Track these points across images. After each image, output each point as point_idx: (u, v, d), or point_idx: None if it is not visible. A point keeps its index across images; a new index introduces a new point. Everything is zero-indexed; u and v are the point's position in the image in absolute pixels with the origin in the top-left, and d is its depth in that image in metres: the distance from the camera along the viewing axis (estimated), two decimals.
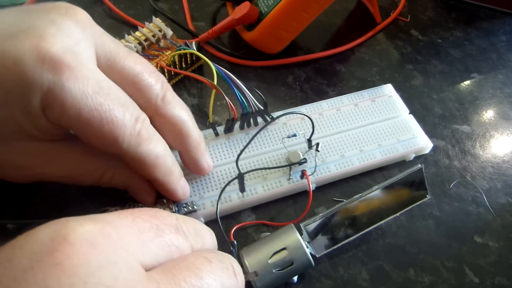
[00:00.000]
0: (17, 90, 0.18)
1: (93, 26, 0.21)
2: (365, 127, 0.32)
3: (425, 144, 0.31)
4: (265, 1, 0.35)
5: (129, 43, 0.33)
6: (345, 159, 0.30)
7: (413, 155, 0.31)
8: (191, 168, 0.27)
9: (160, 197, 0.26)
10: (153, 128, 0.23)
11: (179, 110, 0.24)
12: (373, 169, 0.31)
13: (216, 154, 0.30)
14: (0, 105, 0.19)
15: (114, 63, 0.21)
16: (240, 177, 0.27)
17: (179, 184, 0.25)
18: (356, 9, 0.43)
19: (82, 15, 0.21)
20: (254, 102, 0.29)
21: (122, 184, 0.25)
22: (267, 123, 0.30)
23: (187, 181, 0.27)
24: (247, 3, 0.35)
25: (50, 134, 0.21)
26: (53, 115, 0.19)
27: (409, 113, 0.33)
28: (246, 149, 0.30)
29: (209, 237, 0.21)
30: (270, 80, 0.36)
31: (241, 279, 0.19)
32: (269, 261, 0.23)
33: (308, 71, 0.37)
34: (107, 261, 0.14)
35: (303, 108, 0.33)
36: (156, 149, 0.22)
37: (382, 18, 0.42)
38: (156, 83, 0.23)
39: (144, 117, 0.22)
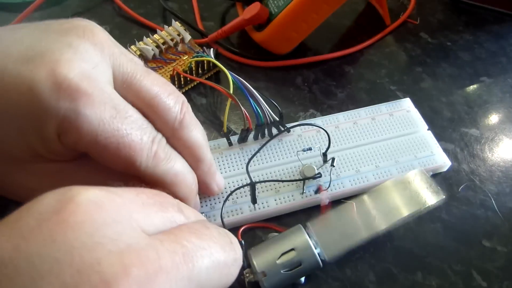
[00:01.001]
0: (32, 116, 0.18)
1: (111, 47, 0.21)
2: (382, 142, 0.31)
3: (443, 162, 0.30)
4: (275, 2, 0.35)
5: (147, 45, 0.33)
6: (360, 174, 0.29)
7: (431, 173, 0.30)
8: (200, 190, 0.26)
9: None
10: (170, 147, 0.22)
11: (196, 134, 0.23)
12: None
13: (229, 164, 0.29)
14: (14, 130, 0.19)
15: (130, 85, 0.21)
16: (252, 186, 0.27)
17: (194, 200, 0.25)
18: (365, 11, 0.43)
19: (100, 35, 0.20)
20: (269, 112, 0.29)
21: None
22: (279, 132, 0.30)
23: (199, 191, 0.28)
24: (257, 3, 0.35)
25: (64, 156, 0.21)
26: (69, 141, 0.19)
27: (428, 129, 0.32)
28: (260, 160, 0.30)
29: None
30: (278, 81, 0.36)
31: (239, 251, 0.19)
32: (277, 262, 0.23)
33: (317, 72, 0.37)
34: (111, 219, 0.15)
35: (319, 120, 0.32)
36: (174, 168, 0.22)
37: (391, 20, 0.41)
38: (175, 105, 0.22)
39: (160, 137, 0.21)
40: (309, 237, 0.24)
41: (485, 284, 0.26)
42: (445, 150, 0.32)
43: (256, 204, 0.27)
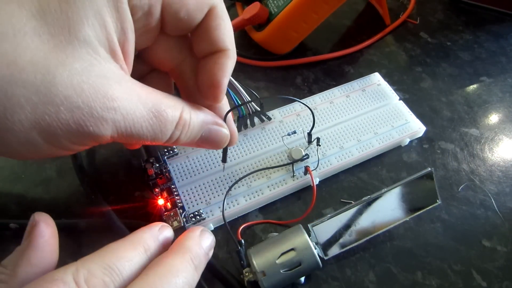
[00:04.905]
0: None
1: None
2: (360, 117, 0.33)
3: (418, 128, 0.32)
4: (275, 2, 0.35)
5: None
6: (344, 150, 0.31)
7: (408, 140, 0.32)
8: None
9: (167, 210, 0.27)
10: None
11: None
12: (372, 157, 0.31)
13: (216, 159, 0.30)
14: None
15: None
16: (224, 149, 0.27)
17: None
18: (365, 11, 0.43)
19: None
20: (251, 104, 0.29)
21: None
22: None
23: (194, 188, 0.28)
24: (257, 3, 0.35)
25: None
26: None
27: (399, 99, 0.34)
28: (247, 150, 0.30)
29: (131, 257, 0.19)
30: (278, 80, 0.36)
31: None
32: (277, 261, 0.23)
33: (316, 72, 0.37)
34: None
35: (297, 105, 0.33)
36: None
37: (391, 20, 0.42)
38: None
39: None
40: (309, 237, 0.24)
41: (485, 284, 0.26)
42: (445, 150, 0.32)
43: (251, 193, 0.28)
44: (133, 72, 0.20)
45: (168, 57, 0.22)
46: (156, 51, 0.22)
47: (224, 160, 0.27)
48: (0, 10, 0.15)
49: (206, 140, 0.23)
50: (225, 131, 0.23)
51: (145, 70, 0.23)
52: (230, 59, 0.22)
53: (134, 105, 0.18)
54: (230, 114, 0.24)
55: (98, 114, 0.16)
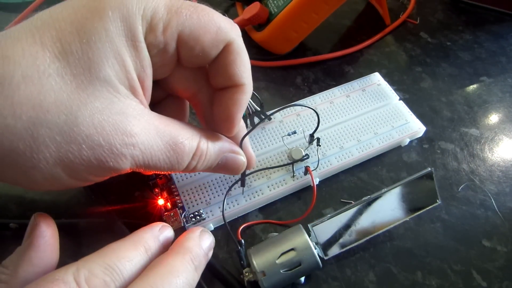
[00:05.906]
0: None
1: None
2: (360, 117, 0.33)
3: (418, 128, 0.32)
4: (275, 2, 0.35)
5: None
6: (344, 150, 0.31)
7: (408, 140, 0.32)
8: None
9: (167, 210, 0.27)
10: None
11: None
12: (372, 157, 0.31)
13: None
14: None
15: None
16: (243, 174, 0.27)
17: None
18: (365, 11, 0.43)
19: None
20: (251, 103, 0.29)
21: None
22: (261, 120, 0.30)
23: (194, 188, 0.28)
24: (257, 3, 0.35)
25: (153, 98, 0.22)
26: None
27: (399, 99, 0.34)
28: None
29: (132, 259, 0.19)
30: (278, 80, 0.36)
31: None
32: (277, 261, 0.23)
33: (316, 72, 0.37)
34: None
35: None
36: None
37: (391, 20, 0.42)
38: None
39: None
40: (309, 237, 0.24)
41: (485, 284, 0.26)
42: (445, 150, 0.32)
43: (251, 193, 0.28)
44: (150, 97, 0.20)
45: (185, 86, 0.23)
46: (172, 81, 0.22)
47: (242, 184, 0.28)
48: (25, 52, 0.16)
49: (223, 167, 0.24)
50: (241, 158, 0.24)
51: (161, 96, 0.24)
52: (245, 94, 0.22)
53: (152, 139, 0.19)
54: (247, 138, 0.24)
55: (117, 151, 0.17)
